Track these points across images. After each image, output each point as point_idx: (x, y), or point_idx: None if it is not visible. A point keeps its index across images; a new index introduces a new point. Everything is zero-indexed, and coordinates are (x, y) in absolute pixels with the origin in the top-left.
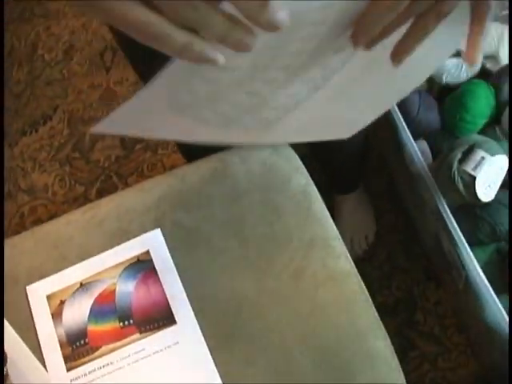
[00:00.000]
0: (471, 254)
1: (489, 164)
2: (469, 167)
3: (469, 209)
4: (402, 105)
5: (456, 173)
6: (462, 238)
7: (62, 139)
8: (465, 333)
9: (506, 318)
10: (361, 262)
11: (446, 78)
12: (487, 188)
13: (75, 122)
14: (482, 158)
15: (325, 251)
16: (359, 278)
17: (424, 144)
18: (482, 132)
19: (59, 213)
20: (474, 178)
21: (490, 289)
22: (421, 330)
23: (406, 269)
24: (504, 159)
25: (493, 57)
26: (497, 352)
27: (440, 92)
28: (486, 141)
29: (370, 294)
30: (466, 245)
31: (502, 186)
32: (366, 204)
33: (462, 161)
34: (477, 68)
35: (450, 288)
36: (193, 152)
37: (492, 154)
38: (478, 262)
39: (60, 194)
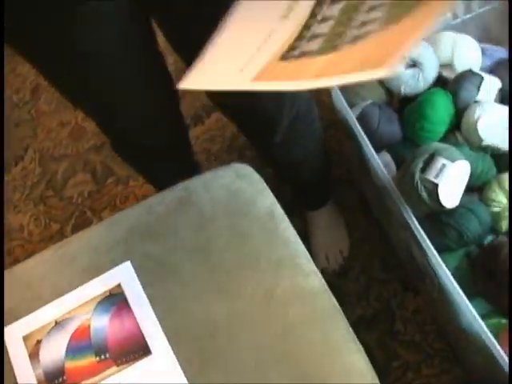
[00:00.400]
0: (440, 261)
1: (450, 170)
2: (431, 175)
3: (435, 216)
4: (363, 119)
5: (419, 182)
6: (431, 246)
7: (35, 178)
8: (445, 338)
9: (480, 321)
10: (337, 277)
11: (405, 90)
12: (451, 194)
13: (46, 161)
14: (443, 165)
15: (294, 270)
16: (330, 293)
17: (387, 156)
18: (443, 139)
19: (36, 252)
20: (436, 186)
21: (462, 294)
22: (402, 339)
23: (382, 280)
24: (465, 164)
25: (448, 65)
26: (474, 355)
27: (400, 103)
28: (446, 148)
29: (349, 308)
30: (435, 252)
31: (466, 191)
32: (338, 218)
33: (424, 169)
34: (433, 77)
35: (426, 296)
36: (161, 181)
37: (453, 161)
38: (449, 268)
39: (36, 234)
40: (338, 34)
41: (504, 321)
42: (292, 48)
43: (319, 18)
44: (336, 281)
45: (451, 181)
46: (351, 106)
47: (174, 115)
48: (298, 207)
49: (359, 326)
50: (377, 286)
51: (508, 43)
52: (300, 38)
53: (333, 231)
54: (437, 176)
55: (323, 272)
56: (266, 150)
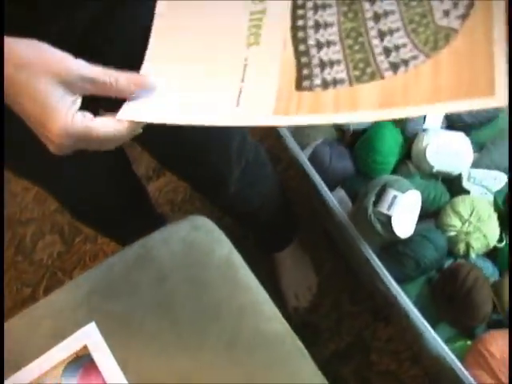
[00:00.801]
0: (401, 291)
1: (401, 201)
2: (383, 208)
3: (392, 247)
4: (315, 158)
5: (372, 215)
6: (390, 277)
7: (4, 244)
8: (420, 364)
9: (444, 346)
10: (308, 314)
11: (352, 126)
12: (404, 224)
13: (14, 225)
14: (395, 196)
15: (255, 316)
16: (293, 335)
17: (341, 192)
18: (396, 169)
19: (8, 318)
20: (389, 217)
21: (424, 321)
22: (378, 369)
23: (353, 313)
24: (416, 194)
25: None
26: (446, 380)
27: (351, 139)
28: (396, 179)
29: (323, 343)
30: (395, 283)
31: (422, 218)
32: (303, 256)
33: (377, 202)
34: None
35: (397, 324)
36: (127, 239)
37: (403, 191)
38: (411, 296)
39: (8, 300)
40: (362, 60)
41: (469, 342)
42: (306, 77)
43: (312, 42)
44: (308, 318)
45: (403, 211)
46: (304, 146)
47: (126, 178)
48: (262, 250)
49: (334, 360)
50: (348, 319)
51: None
52: (303, 65)
53: (299, 270)
54: (389, 208)
55: (295, 310)
56: (222, 202)
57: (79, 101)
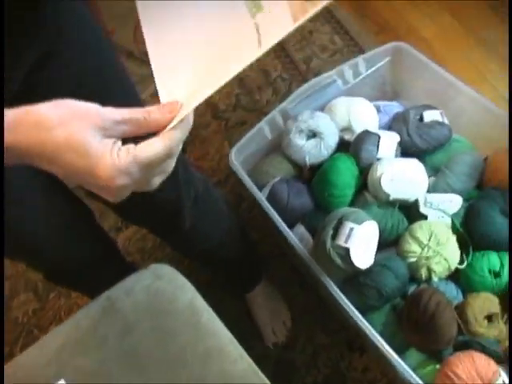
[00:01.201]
0: (365, 322)
1: (358, 233)
2: (341, 241)
3: (353, 279)
4: (273, 196)
5: (331, 249)
6: (354, 309)
7: None
8: None
9: (413, 375)
10: (284, 349)
11: (310, 160)
12: (363, 255)
13: None
14: (351, 228)
15: (221, 358)
16: (259, 373)
17: (301, 228)
18: (354, 201)
19: None
20: (347, 250)
21: (390, 350)
22: None
23: (327, 345)
24: (372, 224)
25: (347, 128)
26: None
27: (310, 173)
28: (353, 212)
29: (300, 377)
30: (359, 315)
31: (383, 247)
32: (274, 293)
33: (335, 236)
34: (335, 143)
35: (371, 353)
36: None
37: (360, 223)
38: (377, 325)
39: None
40: None
41: (438, 366)
42: None
43: None
44: (284, 354)
45: (361, 242)
46: (263, 185)
47: (89, 230)
48: (233, 292)
49: None
50: (323, 351)
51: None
52: None
53: (272, 306)
54: (346, 240)
55: (275, 345)
56: (183, 242)
57: (120, 142)
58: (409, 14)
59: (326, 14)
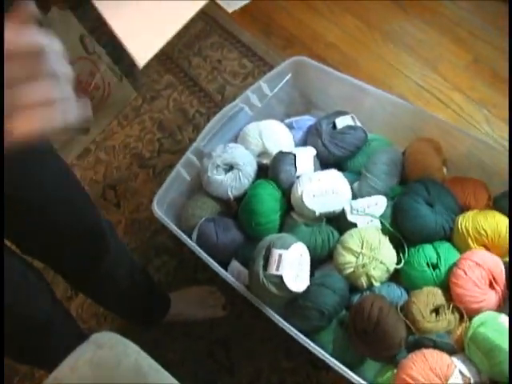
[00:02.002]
0: (312, 344)
1: (287, 258)
2: (272, 270)
3: (293, 303)
4: (202, 237)
5: (264, 280)
6: (300, 334)
7: None
8: None
9: None
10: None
11: (232, 193)
12: (297, 278)
13: None
14: (280, 255)
15: None
16: None
17: (236, 263)
18: (282, 224)
19: None
20: (281, 277)
21: (343, 368)
22: None
23: (292, 369)
24: (300, 246)
25: (264, 153)
26: None
27: (236, 206)
28: (279, 237)
29: None
30: (304, 338)
31: (320, 264)
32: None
33: (266, 266)
34: (254, 170)
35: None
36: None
37: (287, 248)
38: (327, 344)
39: None
40: None
41: (395, 370)
42: None
43: None
44: None
45: (292, 267)
46: (192, 227)
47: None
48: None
49: None
50: (289, 376)
51: None
52: None
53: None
54: (278, 268)
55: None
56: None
57: None
58: (312, 23)
59: (231, 40)
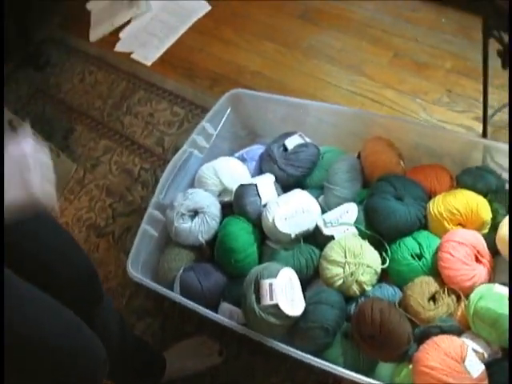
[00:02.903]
0: (323, 362)
1: (278, 286)
2: (266, 301)
3: (295, 327)
4: (185, 288)
5: (261, 313)
6: (309, 356)
7: None
8: None
9: None
10: None
11: (203, 238)
12: (293, 302)
13: None
14: (270, 284)
15: None
16: None
17: (225, 305)
18: (261, 254)
19: None
20: (277, 306)
21: (360, 376)
22: None
23: None
24: (287, 270)
25: (224, 190)
26: None
27: (209, 250)
28: (264, 267)
29: None
30: (315, 358)
31: (306, 287)
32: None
33: (259, 298)
34: (219, 210)
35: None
36: None
37: (275, 276)
38: (338, 358)
39: None
40: None
41: (410, 366)
42: None
43: None
44: None
45: (285, 292)
46: (172, 280)
47: None
48: None
49: None
50: None
51: None
52: None
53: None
54: (271, 298)
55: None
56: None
57: None
58: (233, 58)
59: (157, 92)
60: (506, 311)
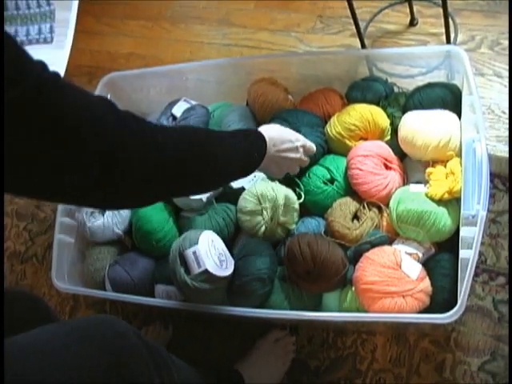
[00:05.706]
0: (268, 311)
1: (201, 251)
2: (195, 270)
3: (233, 286)
4: (116, 284)
5: (194, 282)
6: (254, 310)
7: None
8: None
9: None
10: None
11: (119, 228)
12: (222, 264)
13: None
14: (194, 252)
15: None
16: None
17: (161, 287)
18: (178, 227)
19: None
20: (207, 271)
21: (309, 313)
22: None
23: None
24: (206, 234)
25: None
26: None
27: (129, 239)
28: (183, 238)
29: None
30: (260, 310)
31: (232, 245)
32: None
33: (188, 270)
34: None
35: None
36: None
37: (197, 242)
38: (282, 303)
39: None
40: None
41: (353, 288)
42: None
43: None
44: None
45: (211, 255)
46: (101, 282)
47: None
48: None
49: None
50: None
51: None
52: None
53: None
54: (199, 265)
55: None
56: None
57: None
58: (101, 47)
59: None
60: (426, 207)
